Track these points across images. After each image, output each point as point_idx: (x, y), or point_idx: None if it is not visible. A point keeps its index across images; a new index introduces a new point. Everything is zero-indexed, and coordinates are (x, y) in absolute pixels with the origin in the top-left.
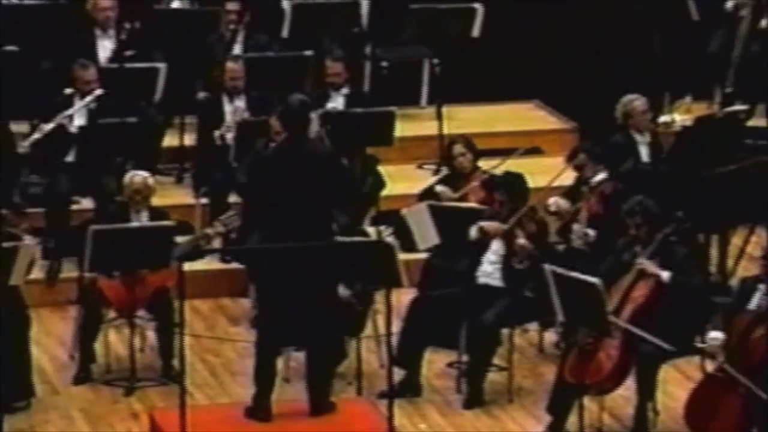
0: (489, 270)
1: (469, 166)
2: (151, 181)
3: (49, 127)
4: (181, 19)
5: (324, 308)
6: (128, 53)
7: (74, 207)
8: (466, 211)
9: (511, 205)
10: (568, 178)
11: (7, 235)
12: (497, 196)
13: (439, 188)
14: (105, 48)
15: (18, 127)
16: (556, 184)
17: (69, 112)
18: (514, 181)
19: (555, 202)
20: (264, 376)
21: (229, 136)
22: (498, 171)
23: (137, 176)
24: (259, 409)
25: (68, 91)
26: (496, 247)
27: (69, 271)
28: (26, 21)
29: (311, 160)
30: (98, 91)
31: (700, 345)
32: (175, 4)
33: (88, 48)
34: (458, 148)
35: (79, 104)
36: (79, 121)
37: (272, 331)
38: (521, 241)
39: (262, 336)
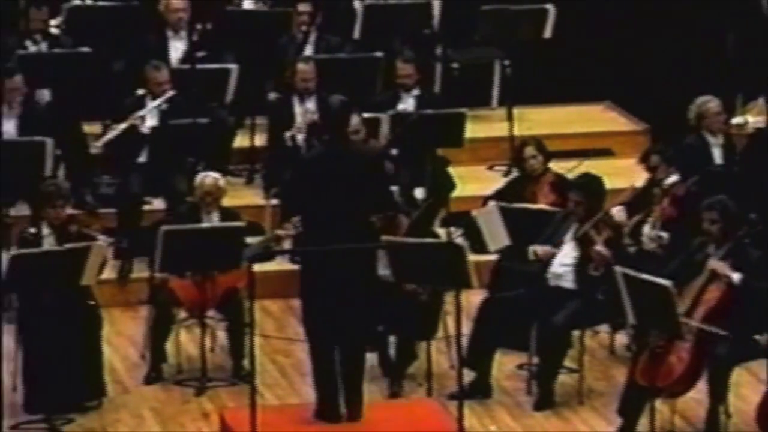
0: (560, 272)
1: (540, 169)
2: (222, 182)
3: (121, 127)
4: (252, 21)
5: (378, 308)
6: (200, 54)
7: (146, 207)
8: (537, 213)
9: (588, 207)
10: (640, 180)
11: (80, 235)
12: (573, 197)
13: (615, 210)
14: (177, 49)
15: (90, 127)
16: (628, 185)
17: (141, 113)
18: (592, 182)
19: (617, 213)
20: (323, 378)
21: (300, 137)
22: (568, 173)
23: (208, 177)
24: (327, 410)
25: (140, 92)
26: (569, 249)
27: (140, 271)
28: (99, 22)
29: (353, 161)
30: (170, 92)
31: (758, 338)
32: (246, 5)
33: (160, 49)
34: (529, 150)
35: (151, 105)
36: (151, 121)
37: (324, 330)
38: (599, 248)
39: (314, 336)
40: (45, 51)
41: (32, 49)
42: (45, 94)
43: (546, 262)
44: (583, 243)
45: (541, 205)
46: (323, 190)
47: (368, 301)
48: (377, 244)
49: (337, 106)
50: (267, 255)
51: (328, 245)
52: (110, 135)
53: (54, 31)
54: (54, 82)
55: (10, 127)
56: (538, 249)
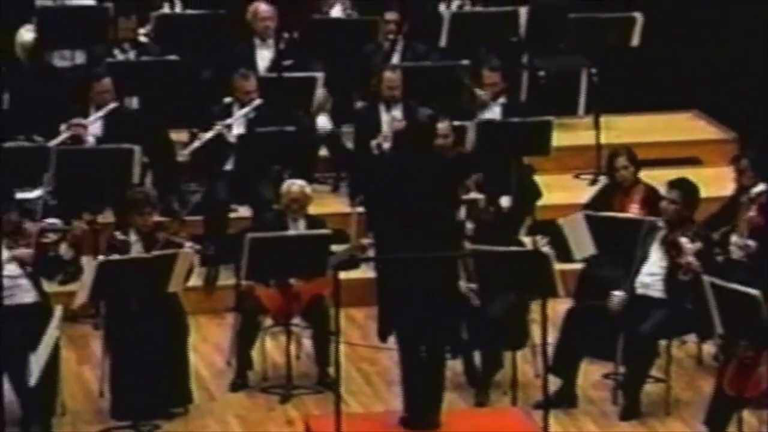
0: (648, 281)
1: (631, 179)
2: (308, 190)
3: (208, 135)
4: (339, 29)
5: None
6: (286, 63)
7: (232, 215)
8: (624, 222)
9: (681, 210)
10: (727, 189)
11: (167, 243)
12: (669, 196)
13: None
14: (264, 58)
15: (178, 135)
16: (716, 194)
17: (228, 121)
18: (689, 186)
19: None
20: (412, 383)
21: (386, 146)
22: (657, 184)
23: (295, 185)
24: (414, 417)
25: (228, 100)
26: (657, 258)
27: (226, 278)
28: (187, 31)
29: (435, 167)
30: (257, 101)
31: None
32: (333, 14)
33: (248, 58)
34: (621, 161)
35: (238, 113)
36: (237, 129)
37: (413, 332)
38: (689, 259)
39: (402, 339)
40: (133, 59)
41: (121, 57)
42: (133, 102)
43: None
44: (672, 251)
45: (629, 214)
46: (406, 196)
47: (451, 307)
48: (464, 253)
49: (425, 119)
50: (352, 263)
51: (411, 251)
52: (197, 143)
53: (143, 39)
54: (142, 89)
55: (96, 129)
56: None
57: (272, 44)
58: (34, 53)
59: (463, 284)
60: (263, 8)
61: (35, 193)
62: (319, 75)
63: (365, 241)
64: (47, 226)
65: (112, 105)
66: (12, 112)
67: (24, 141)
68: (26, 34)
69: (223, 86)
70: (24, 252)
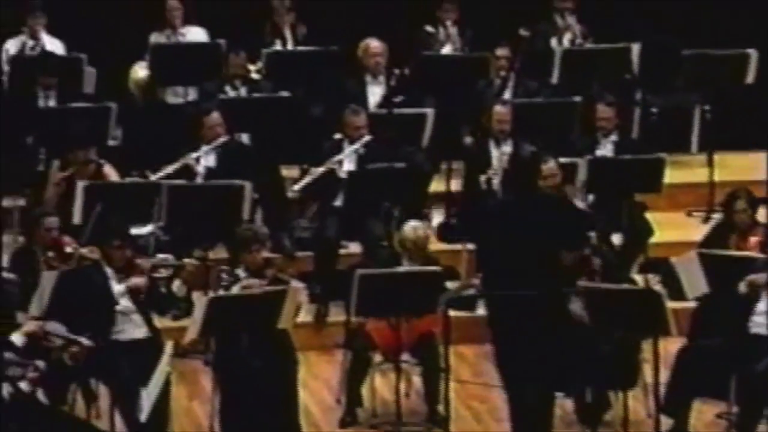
0: (761, 320)
1: (749, 222)
2: (429, 232)
3: (319, 171)
4: (450, 66)
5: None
6: (397, 99)
7: (342, 251)
8: (738, 260)
9: None
10: None
11: (275, 279)
12: None
13: None
14: (374, 94)
15: (288, 171)
16: None
17: (339, 157)
18: None
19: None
20: (521, 423)
21: (496, 182)
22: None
23: (420, 229)
24: None
25: (338, 136)
26: None
27: (336, 315)
28: (298, 68)
29: (542, 208)
30: (367, 137)
31: None
32: (445, 51)
33: (359, 94)
34: (740, 204)
35: (348, 149)
36: (348, 166)
37: (522, 371)
38: None
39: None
40: (244, 96)
41: (232, 94)
42: (244, 139)
43: (754, 296)
44: None
45: (744, 252)
46: (513, 236)
47: (562, 345)
48: (573, 289)
49: (528, 156)
50: (467, 303)
51: (519, 289)
52: (308, 179)
53: (254, 76)
54: (253, 126)
55: (209, 162)
56: (754, 277)
57: (383, 80)
58: (147, 90)
59: (577, 307)
60: (374, 45)
61: (147, 229)
62: (430, 111)
63: (475, 279)
64: (159, 262)
65: (224, 138)
66: (125, 148)
67: (137, 177)
68: (140, 71)
69: (333, 122)
70: (138, 281)
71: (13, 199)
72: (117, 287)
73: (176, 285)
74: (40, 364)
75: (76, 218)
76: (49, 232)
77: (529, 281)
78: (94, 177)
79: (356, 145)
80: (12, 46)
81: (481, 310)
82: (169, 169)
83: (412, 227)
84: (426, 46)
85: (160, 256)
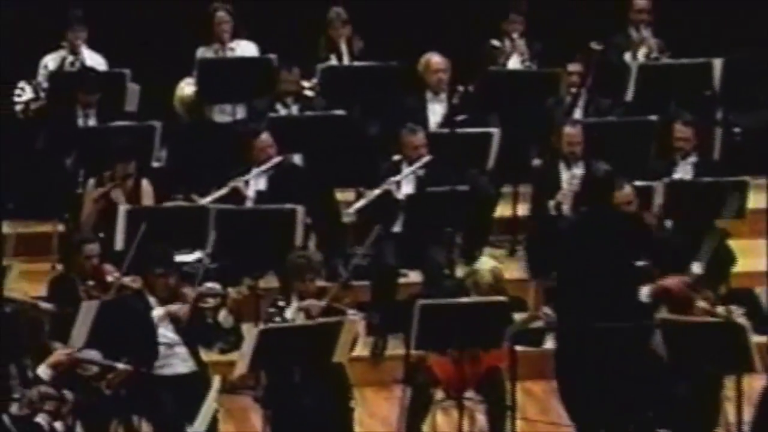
0: None
1: None
2: (502, 272)
3: (375, 194)
4: (518, 82)
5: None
6: (460, 118)
7: (401, 280)
8: None
9: None
10: None
11: (330, 310)
12: None
13: None
14: (436, 112)
15: (343, 194)
16: None
17: (396, 178)
18: None
19: None
20: None
21: (566, 207)
22: None
23: (496, 269)
24: None
25: (396, 157)
26: None
27: (395, 348)
28: (355, 84)
29: (615, 228)
30: (427, 158)
31: None
32: (511, 63)
33: (419, 112)
34: None
35: (407, 171)
36: (406, 188)
37: (593, 412)
38: None
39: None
40: (296, 114)
41: (283, 112)
42: (296, 160)
43: None
44: None
45: None
46: (586, 255)
47: (638, 382)
48: (651, 322)
49: (602, 174)
50: (534, 337)
51: (593, 321)
52: (363, 201)
53: (308, 93)
54: (306, 146)
55: (260, 185)
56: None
57: (445, 98)
58: (193, 108)
59: (659, 341)
60: (436, 60)
61: (194, 256)
62: (495, 131)
63: (544, 310)
64: (206, 291)
65: (277, 159)
66: (170, 169)
67: (182, 200)
68: (186, 88)
69: (391, 143)
70: (176, 307)
71: (53, 224)
72: (154, 312)
73: (222, 315)
74: (68, 395)
75: (118, 245)
76: (90, 259)
77: (606, 312)
78: (132, 192)
79: (415, 166)
80: (51, 61)
81: (549, 344)
82: (218, 193)
83: (489, 270)
84: (491, 61)
85: (207, 285)
